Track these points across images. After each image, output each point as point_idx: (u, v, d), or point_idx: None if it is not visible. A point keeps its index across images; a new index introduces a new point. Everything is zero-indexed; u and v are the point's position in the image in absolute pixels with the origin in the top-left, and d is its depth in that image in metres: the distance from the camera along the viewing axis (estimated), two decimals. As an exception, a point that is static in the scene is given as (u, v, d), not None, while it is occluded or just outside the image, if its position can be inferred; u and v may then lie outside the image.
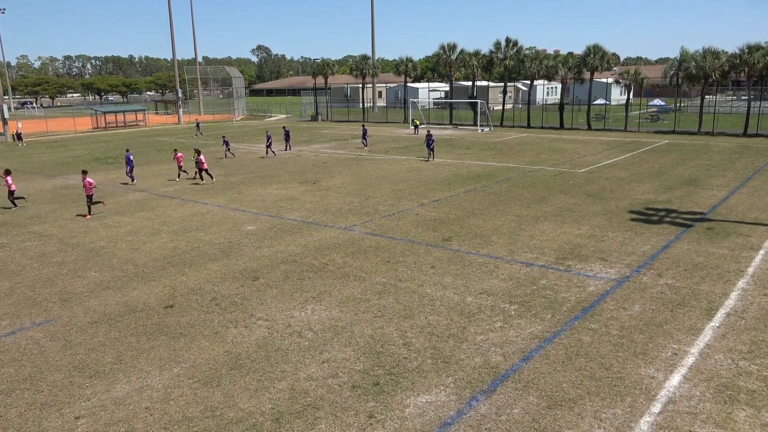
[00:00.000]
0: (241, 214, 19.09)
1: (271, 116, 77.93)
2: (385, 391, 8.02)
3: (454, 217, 17.90)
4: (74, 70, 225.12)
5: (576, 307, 10.71)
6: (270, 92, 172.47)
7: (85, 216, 18.98)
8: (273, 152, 34.02)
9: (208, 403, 7.86)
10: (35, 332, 10.24)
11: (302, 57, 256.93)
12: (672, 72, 46.31)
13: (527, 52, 53.30)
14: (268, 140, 33.56)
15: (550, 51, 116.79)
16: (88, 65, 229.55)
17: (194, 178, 25.80)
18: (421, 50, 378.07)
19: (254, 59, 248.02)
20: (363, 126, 40.33)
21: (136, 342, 9.73)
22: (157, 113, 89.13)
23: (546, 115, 55.51)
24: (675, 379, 8.15)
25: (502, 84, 57.26)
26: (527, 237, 15.42)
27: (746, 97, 45.94)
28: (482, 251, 14.26)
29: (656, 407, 7.47)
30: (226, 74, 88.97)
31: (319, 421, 7.36)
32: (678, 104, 52.69)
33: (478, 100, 51.36)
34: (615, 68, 66.80)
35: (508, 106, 57.20)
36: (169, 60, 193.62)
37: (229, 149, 34.34)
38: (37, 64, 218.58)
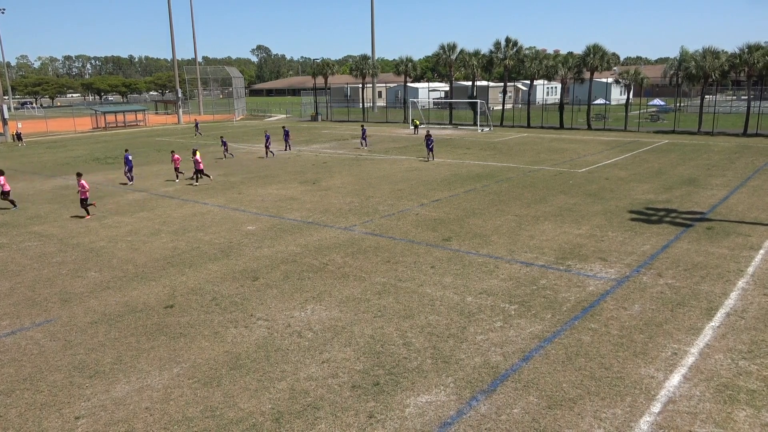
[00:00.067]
0: (241, 214, 19.09)
1: (270, 116, 77.92)
2: (385, 391, 8.02)
3: (454, 217, 17.90)
4: (74, 70, 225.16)
5: (576, 306, 10.71)
6: (270, 92, 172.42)
7: (83, 217, 18.96)
8: (271, 152, 34.00)
9: (208, 403, 7.86)
10: (35, 332, 10.24)
11: (302, 57, 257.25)
12: (672, 72, 46.26)
13: (527, 52, 53.31)
14: (266, 140, 33.56)
15: (550, 51, 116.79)
16: (88, 65, 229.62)
17: (191, 178, 25.82)
18: (421, 50, 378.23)
19: (254, 59, 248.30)
20: (362, 126, 40.29)
21: (136, 342, 9.73)
22: (157, 113, 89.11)
23: (546, 115, 55.51)
24: (675, 378, 8.15)
25: (502, 84, 57.25)
26: (527, 237, 15.43)
27: (746, 97, 45.95)
28: (482, 251, 14.26)
29: (656, 407, 7.48)
30: (226, 74, 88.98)
31: (319, 421, 7.36)
32: (678, 104, 52.70)
33: (478, 100, 51.36)
34: (615, 68, 66.83)
35: (508, 106, 57.21)
36: (169, 60, 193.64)
37: (227, 149, 34.34)
38: (36, 64, 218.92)
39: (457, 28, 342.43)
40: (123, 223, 18.24)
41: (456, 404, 7.66)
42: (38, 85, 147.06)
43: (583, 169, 26.66)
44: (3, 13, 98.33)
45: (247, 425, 7.33)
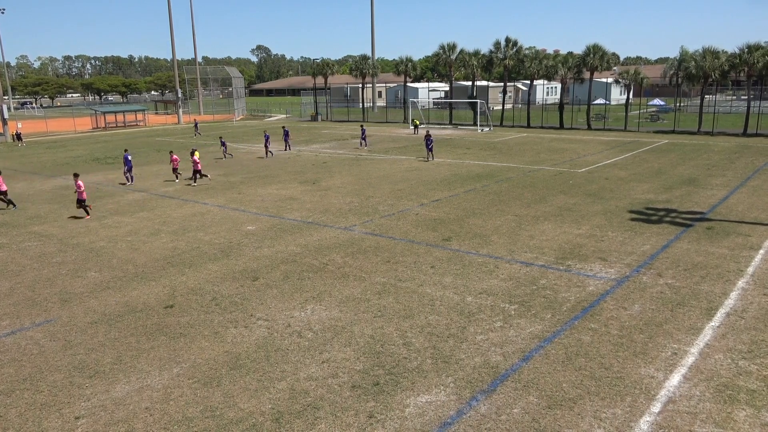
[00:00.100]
0: (241, 214, 19.09)
1: (270, 116, 77.92)
2: (385, 391, 8.02)
3: (453, 217, 17.90)
4: (74, 70, 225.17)
5: (576, 306, 10.71)
6: (270, 92, 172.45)
7: (82, 218, 18.96)
8: (271, 152, 33.99)
9: (208, 403, 7.86)
10: (35, 332, 10.24)
11: (302, 57, 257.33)
12: (672, 72, 46.26)
13: (527, 51, 53.30)
14: (266, 140, 33.55)
15: (550, 51, 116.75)
16: (88, 65, 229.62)
17: (190, 178, 25.82)
18: (421, 50, 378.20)
19: (254, 59, 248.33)
20: (362, 126, 40.27)
21: (136, 342, 9.73)
22: (156, 113, 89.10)
23: (546, 114, 55.51)
24: (675, 378, 8.15)
25: (502, 84, 57.26)
26: (527, 237, 15.43)
27: (746, 97, 45.95)
28: (482, 251, 14.26)
29: (656, 407, 7.48)
30: (225, 74, 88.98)
31: (319, 421, 7.36)
32: (678, 104, 52.70)
33: (478, 100, 51.35)
34: (615, 68, 66.82)
35: (508, 106, 57.21)
36: (168, 60, 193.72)
37: (226, 150, 34.34)
38: (36, 65, 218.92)
39: (457, 28, 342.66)
40: (123, 223, 18.24)
41: (456, 404, 7.66)
42: (38, 85, 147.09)
43: (583, 169, 26.66)
44: (3, 13, 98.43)
45: (247, 425, 7.33)
